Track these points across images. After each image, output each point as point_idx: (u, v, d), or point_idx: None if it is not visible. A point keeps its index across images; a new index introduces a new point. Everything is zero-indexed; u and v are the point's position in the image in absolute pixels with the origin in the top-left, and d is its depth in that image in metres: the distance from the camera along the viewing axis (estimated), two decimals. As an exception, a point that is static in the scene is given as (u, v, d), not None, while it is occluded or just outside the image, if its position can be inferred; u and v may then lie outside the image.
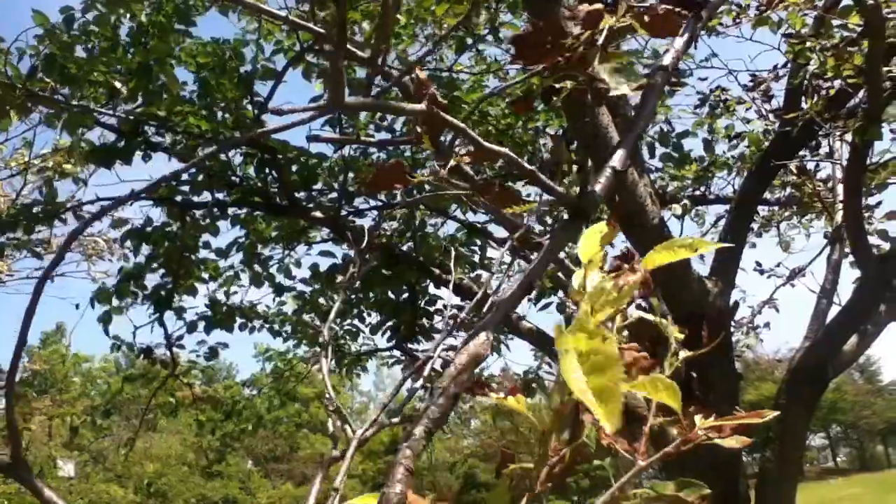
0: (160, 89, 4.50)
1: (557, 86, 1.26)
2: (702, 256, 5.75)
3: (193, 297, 5.98)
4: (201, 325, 6.36)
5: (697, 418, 0.89)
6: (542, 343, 5.63)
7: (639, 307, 1.12)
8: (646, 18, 1.35)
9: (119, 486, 32.31)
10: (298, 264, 6.59)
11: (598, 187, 1.20)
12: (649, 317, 1.03)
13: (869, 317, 4.13)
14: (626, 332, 1.06)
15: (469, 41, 5.36)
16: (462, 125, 1.15)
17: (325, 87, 5.63)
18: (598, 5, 1.31)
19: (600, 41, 1.21)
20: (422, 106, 1.08)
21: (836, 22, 3.16)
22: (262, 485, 45.38)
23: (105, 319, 5.78)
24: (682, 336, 1.02)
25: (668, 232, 3.99)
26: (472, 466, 61.18)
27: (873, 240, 4.28)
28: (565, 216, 1.19)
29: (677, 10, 1.39)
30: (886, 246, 4.28)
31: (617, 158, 1.22)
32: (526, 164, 1.14)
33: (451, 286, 5.22)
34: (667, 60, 1.45)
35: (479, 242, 6.30)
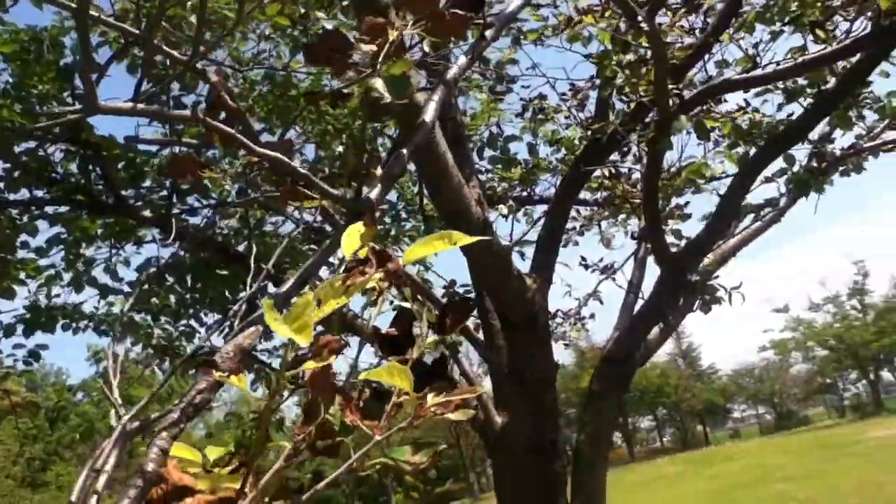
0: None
1: (346, 91, 1.38)
2: (522, 255, 6.13)
3: (11, 300, 5.62)
4: (20, 328, 6.00)
5: (430, 396, 1.04)
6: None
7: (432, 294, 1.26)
8: (429, 24, 1.48)
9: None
10: (127, 263, 6.35)
11: (372, 193, 1.33)
12: (407, 305, 1.17)
13: (669, 309, 4.58)
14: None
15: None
16: (231, 131, 1.24)
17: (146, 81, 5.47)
18: (381, 19, 1.43)
19: (383, 52, 1.33)
20: (186, 112, 1.16)
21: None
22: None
23: None
24: (434, 321, 1.16)
25: (491, 231, 4.22)
26: (321, 464, 60.73)
27: (671, 239, 4.74)
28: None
29: (462, 12, 1.52)
30: (681, 244, 4.74)
31: (392, 165, 1.36)
32: (299, 169, 1.24)
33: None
34: (450, 74, 1.61)
35: (317, 242, 6.34)
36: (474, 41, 1.77)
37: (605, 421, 4.53)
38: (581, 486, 4.44)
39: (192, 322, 7.07)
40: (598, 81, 5.29)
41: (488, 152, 6.07)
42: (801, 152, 5.15)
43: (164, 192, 5.67)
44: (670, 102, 3.29)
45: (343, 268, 1.01)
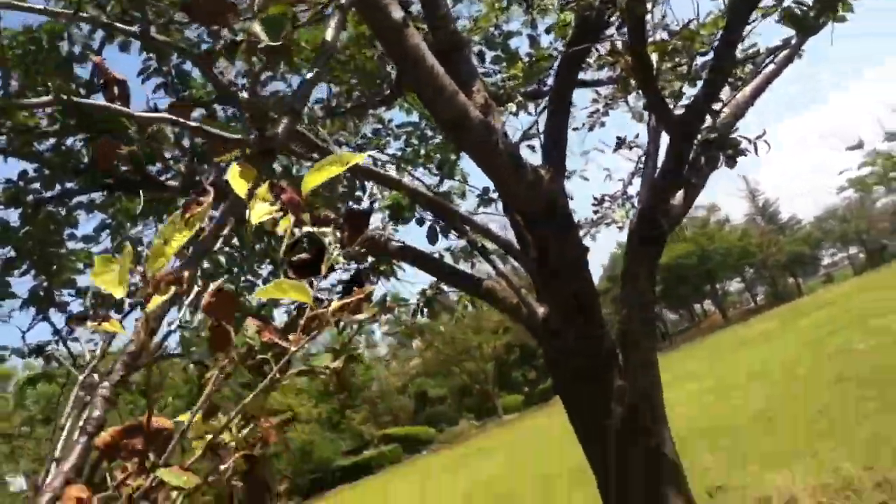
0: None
1: (238, 39, 1.45)
2: (533, 148, 6.10)
3: (72, 289, 5.97)
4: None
5: (334, 304, 1.15)
6: (423, 262, 5.67)
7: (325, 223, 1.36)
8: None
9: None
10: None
11: (279, 129, 1.42)
12: (310, 229, 1.27)
13: (685, 171, 4.54)
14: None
15: None
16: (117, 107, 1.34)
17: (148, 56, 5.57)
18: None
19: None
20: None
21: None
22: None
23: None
24: (335, 238, 1.26)
25: (493, 133, 4.24)
26: (420, 385, 62.83)
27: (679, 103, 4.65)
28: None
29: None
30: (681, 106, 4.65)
31: (293, 100, 1.43)
32: (191, 123, 1.34)
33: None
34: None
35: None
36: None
37: (641, 295, 4.59)
38: (630, 362, 4.55)
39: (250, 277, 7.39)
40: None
41: (491, 54, 6.00)
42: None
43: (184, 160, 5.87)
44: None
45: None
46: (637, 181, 7.43)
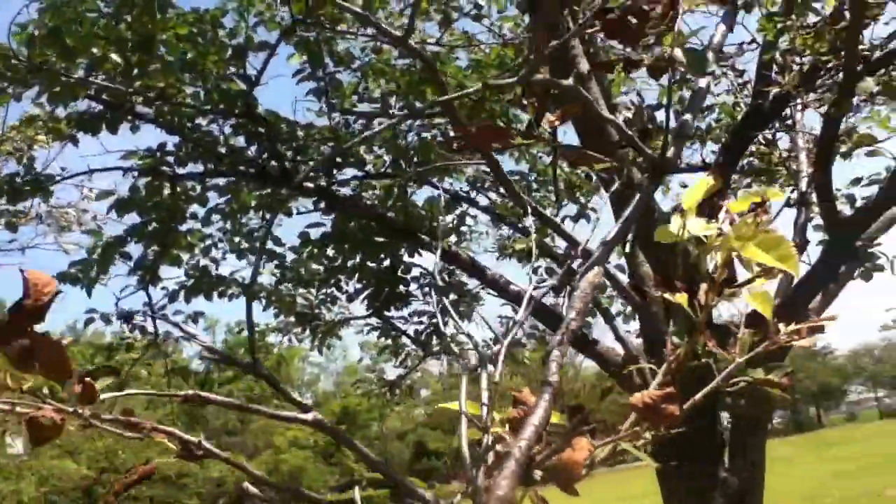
0: (157, 61, 4.56)
1: (635, 59, 1.47)
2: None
3: (178, 268, 6.06)
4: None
5: (781, 325, 1.14)
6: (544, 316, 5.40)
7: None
8: None
9: (72, 461, 31.87)
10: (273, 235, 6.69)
11: (671, 151, 1.43)
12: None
13: (832, 276, 4.48)
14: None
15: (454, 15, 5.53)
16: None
17: (306, 60, 5.69)
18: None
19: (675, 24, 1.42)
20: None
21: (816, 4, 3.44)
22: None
23: (90, 280, 5.75)
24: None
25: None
26: (421, 435, 62.05)
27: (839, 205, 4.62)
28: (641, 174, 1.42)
29: None
30: (849, 211, 4.62)
31: (680, 128, 1.45)
32: (626, 130, 1.35)
33: (437, 251, 5.43)
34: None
35: (458, 210, 6.51)
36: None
37: (759, 392, 4.50)
38: (738, 456, 4.45)
39: (334, 290, 7.42)
40: (746, 47, 5.20)
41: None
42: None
43: (311, 163, 5.97)
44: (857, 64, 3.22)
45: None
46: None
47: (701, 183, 1.20)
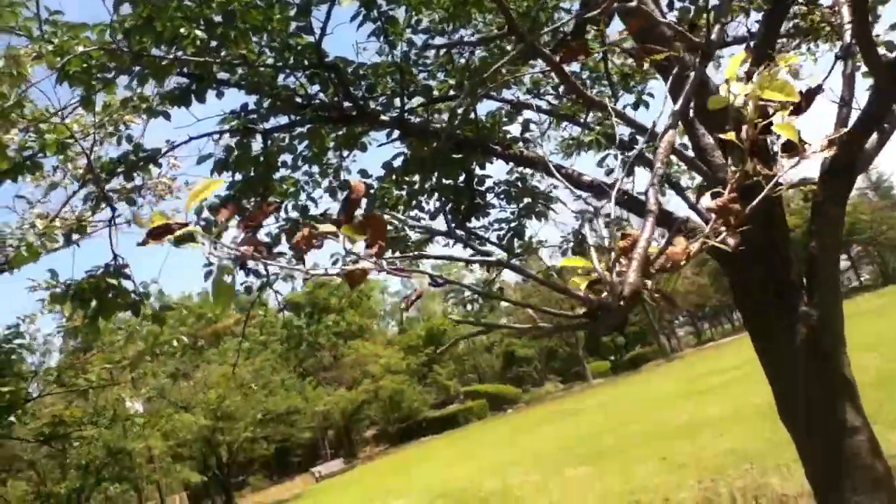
0: (236, 30, 5.07)
1: None
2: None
3: (276, 220, 6.69)
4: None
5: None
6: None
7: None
8: None
9: (189, 414, 34.29)
10: (348, 171, 7.25)
11: (715, 34, 1.86)
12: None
13: (885, 117, 4.78)
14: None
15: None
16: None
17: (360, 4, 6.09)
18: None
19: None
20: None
21: None
22: (317, 394, 47.80)
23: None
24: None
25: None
26: (508, 345, 63.67)
27: (880, 51, 4.85)
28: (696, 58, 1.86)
29: None
30: (892, 54, 4.86)
31: (722, 13, 1.87)
32: (677, 27, 1.80)
33: (512, 157, 5.90)
34: None
35: (520, 118, 6.93)
36: None
37: (833, 227, 4.91)
38: (815, 288, 4.89)
39: (416, 211, 7.99)
40: None
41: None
42: None
43: (382, 98, 6.45)
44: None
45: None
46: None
47: (737, 58, 1.65)
